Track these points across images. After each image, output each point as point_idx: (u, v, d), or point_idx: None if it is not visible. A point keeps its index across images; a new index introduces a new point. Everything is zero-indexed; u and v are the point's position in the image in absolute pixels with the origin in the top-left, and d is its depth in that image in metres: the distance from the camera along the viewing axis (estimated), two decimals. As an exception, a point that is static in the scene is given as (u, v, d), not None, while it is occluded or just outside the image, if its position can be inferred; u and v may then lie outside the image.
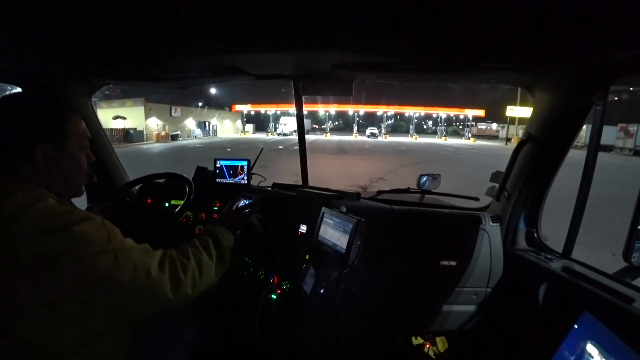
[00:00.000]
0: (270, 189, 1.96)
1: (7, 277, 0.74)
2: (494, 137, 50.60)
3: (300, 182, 2.10)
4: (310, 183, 2.10)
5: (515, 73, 1.40)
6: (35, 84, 1.56)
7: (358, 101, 40.00)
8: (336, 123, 72.98)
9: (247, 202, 1.42)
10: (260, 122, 50.38)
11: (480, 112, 42.44)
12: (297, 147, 2.22)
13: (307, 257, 1.43)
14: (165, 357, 1.23)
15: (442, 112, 45.46)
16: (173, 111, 34.82)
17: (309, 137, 32.50)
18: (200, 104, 43.64)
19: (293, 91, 1.86)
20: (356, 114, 44.71)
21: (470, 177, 10.09)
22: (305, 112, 2.12)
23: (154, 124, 32.29)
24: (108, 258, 0.80)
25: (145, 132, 29.71)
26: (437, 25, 0.96)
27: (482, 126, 54.62)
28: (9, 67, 1.45)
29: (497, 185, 1.71)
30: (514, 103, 32.85)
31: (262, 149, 2.28)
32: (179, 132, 32.53)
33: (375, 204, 1.75)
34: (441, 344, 1.92)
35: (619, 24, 0.86)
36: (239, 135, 41.31)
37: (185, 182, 1.74)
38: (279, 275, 1.51)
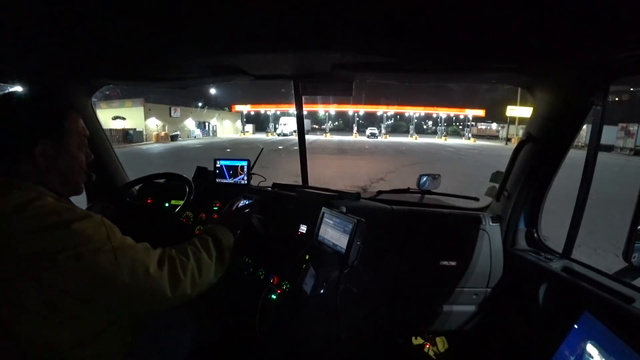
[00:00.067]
0: (270, 189, 1.96)
1: (7, 275, 0.74)
2: (494, 137, 50.63)
3: (300, 183, 2.10)
4: (310, 183, 2.10)
5: (515, 73, 1.41)
6: (35, 83, 1.56)
7: (358, 101, 40.11)
8: (336, 123, 73.08)
9: (247, 202, 1.42)
10: (260, 123, 50.43)
11: (480, 112, 42.47)
12: (296, 148, 2.23)
13: (307, 257, 1.43)
14: (165, 357, 1.23)
15: (442, 112, 45.47)
16: (172, 111, 34.82)
17: (308, 137, 32.49)
18: (200, 104, 43.70)
19: (293, 91, 1.87)
20: (356, 114, 44.76)
21: (470, 177, 10.10)
22: (305, 113, 2.12)
23: (154, 125, 32.31)
24: (107, 256, 0.80)
25: (144, 133, 29.71)
26: (437, 25, 0.96)
27: (482, 126, 54.67)
28: (9, 67, 1.46)
29: (497, 186, 1.71)
30: (514, 103, 32.87)
31: (262, 149, 2.28)
32: (178, 133, 32.53)
33: (375, 204, 1.75)
34: (441, 344, 1.92)
35: (619, 24, 0.86)
36: (238, 136, 41.30)
37: (185, 182, 1.74)
38: (279, 275, 1.51)
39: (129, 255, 0.85)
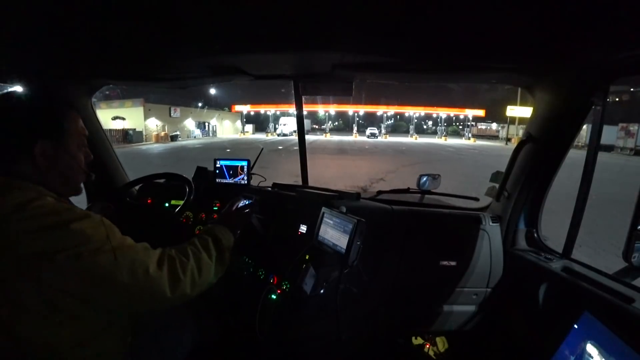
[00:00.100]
0: (270, 189, 1.96)
1: (7, 275, 0.74)
2: (494, 137, 50.62)
3: (300, 183, 2.10)
4: (310, 184, 2.10)
5: (516, 73, 1.41)
6: (35, 83, 1.56)
7: (358, 101, 40.10)
8: (336, 123, 73.03)
9: (247, 202, 1.42)
10: (260, 123, 50.35)
11: (481, 112, 42.47)
12: (296, 148, 2.23)
13: (307, 257, 1.43)
14: (165, 357, 1.23)
15: (442, 112, 45.45)
16: (172, 112, 34.78)
17: (308, 138, 32.47)
18: (199, 104, 43.62)
19: (293, 91, 1.87)
20: (356, 114, 44.75)
21: (470, 177, 10.10)
22: (305, 113, 2.12)
23: (153, 125, 32.26)
24: (106, 256, 0.80)
25: (144, 133, 29.67)
26: (437, 25, 0.96)
27: (482, 126, 54.66)
28: (9, 67, 1.46)
29: (497, 186, 1.71)
30: (514, 103, 32.88)
31: (262, 149, 2.28)
32: (178, 133, 32.48)
33: (375, 204, 1.75)
34: (441, 344, 1.92)
35: (619, 24, 0.86)
36: (238, 136, 41.26)
37: (185, 182, 1.74)
38: (279, 275, 1.51)
39: (129, 255, 0.85)
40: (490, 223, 1.68)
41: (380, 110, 44.26)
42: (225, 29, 1.04)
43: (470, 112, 42.75)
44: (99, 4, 0.85)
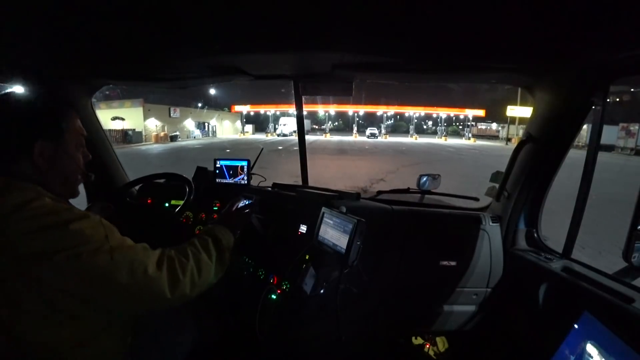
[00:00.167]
0: (270, 189, 1.96)
1: (6, 275, 0.74)
2: (494, 137, 50.61)
3: (299, 183, 2.10)
4: (310, 184, 2.10)
5: (516, 73, 1.41)
6: (35, 83, 1.56)
7: (358, 101, 40.05)
8: (336, 123, 72.97)
9: (247, 202, 1.42)
10: (260, 123, 50.29)
11: (481, 112, 42.44)
12: (296, 148, 2.23)
13: (307, 257, 1.43)
14: (165, 357, 1.23)
15: (442, 112, 45.42)
16: (172, 112, 34.73)
17: (308, 138, 32.45)
18: (199, 104, 43.56)
19: (293, 91, 1.87)
20: (356, 114, 44.75)
21: (470, 177, 10.09)
22: (305, 113, 2.12)
23: (153, 125, 32.21)
24: (105, 256, 0.80)
25: (144, 133, 29.64)
26: (437, 25, 0.96)
27: (482, 126, 54.65)
28: (9, 67, 1.46)
29: (497, 185, 1.71)
30: (514, 103, 32.88)
31: (262, 149, 2.28)
32: (177, 133, 32.43)
33: (375, 204, 1.75)
34: (441, 344, 1.92)
35: (619, 24, 0.86)
36: (238, 136, 41.22)
37: (185, 182, 1.74)
38: (279, 275, 1.51)
39: (128, 255, 0.85)
40: (490, 223, 1.68)
41: (380, 110, 44.23)
42: (225, 29, 1.04)
43: (470, 112, 42.73)
44: (99, 4, 0.85)
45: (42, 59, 1.38)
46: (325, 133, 43.64)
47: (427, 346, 1.92)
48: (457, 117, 51.40)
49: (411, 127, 48.03)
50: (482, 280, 1.67)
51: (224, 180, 1.96)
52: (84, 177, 1.01)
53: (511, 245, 1.67)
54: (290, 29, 1.03)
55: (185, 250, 1.01)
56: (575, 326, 0.92)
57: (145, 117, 31.48)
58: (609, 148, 24.18)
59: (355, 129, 44.01)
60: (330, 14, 0.90)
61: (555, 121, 1.42)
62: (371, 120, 53.92)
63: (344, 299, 1.31)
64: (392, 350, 1.89)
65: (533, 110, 1.53)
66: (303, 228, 1.57)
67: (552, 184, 1.54)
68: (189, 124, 37.82)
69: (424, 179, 1.91)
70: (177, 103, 36.78)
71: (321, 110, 45.73)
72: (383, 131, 44.66)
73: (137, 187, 1.98)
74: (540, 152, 1.49)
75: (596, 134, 1.31)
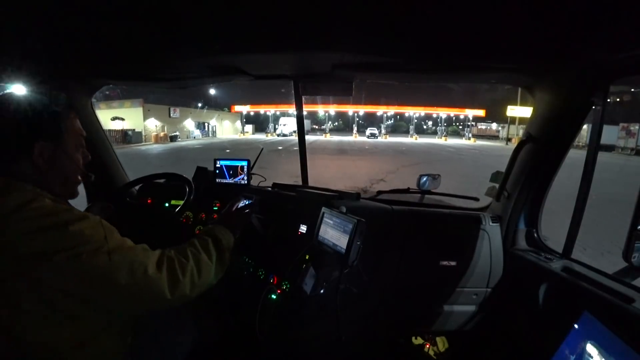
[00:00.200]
0: (270, 189, 1.96)
1: (6, 275, 0.74)
2: (494, 137, 50.63)
3: (299, 183, 2.10)
4: (310, 184, 2.10)
5: (516, 73, 1.41)
6: (35, 83, 1.56)
7: (358, 101, 40.03)
8: (336, 124, 72.97)
9: (247, 202, 1.42)
10: (260, 123, 50.26)
11: (481, 112, 42.44)
12: (296, 148, 2.23)
13: (307, 257, 1.43)
14: (165, 357, 1.23)
15: (442, 112, 45.41)
16: (172, 112, 34.69)
17: (308, 138, 32.38)
18: (199, 104, 43.54)
19: (293, 91, 1.87)
20: (356, 115, 44.74)
21: (471, 177, 10.08)
22: (305, 113, 2.12)
23: (153, 125, 32.18)
24: (105, 257, 0.81)
25: (143, 133, 29.62)
26: (438, 25, 0.96)
27: (482, 126, 54.67)
28: (9, 67, 1.46)
29: (497, 185, 1.71)
30: (514, 103, 32.90)
31: (262, 149, 2.28)
32: (177, 133, 32.39)
33: (375, 204, 1.75)
34: (441, 344, 1.92)
35: (619, 24, 0.86)
36: (238, 136, 41.19)
37: (185, 182, 1.74)
38: (279, 275, 1.50)
39: (128, 256, 0.85)
40: (490, 223, 1.68)
41: (380, 110, 44.23)
42: (225, 29, 1.04)
43: (471, 112, 42.73)
44: (99, 4, 0.85)
45: (42, 59, 1.38)
46: (325, 133, 43.64)
47: (427, 346, 1.92)
48: (457, 117, 51.40)
49: (411, 127, 48.01)
50: (482, 280, 1.67)
51: (224, 180, 1.96)
52: (84, 178, 1.02)
53: (511, 245, 1.66)
54: (290, 29, 1.03)
55: (185, 250, 1.01)
56: (575, 326, 0.92)
57: (145, 117, 31.46)
58: (610, 148, 24.19)
59: (355, 129, 44.00)
60: (330, 14, 0.90)
61: (555, 121, 1.42)
62: (371, 120, 53.97)
63: (344, 299, 1.31)
64: (392, 350, 1.89)
65: (533, 110, 1.53)
66: (303, 228, 1.57)
67: (552, 184, 1.54)
68: (189, 124, 37.79)
69: (424, 179, 1.91)
70: (177, 103, 36.80)
71: (321, 110, 45.78)
72: (383, 131, 44.64)
73: (137, 187, 1.98)
74: (540, 152, 1.49)
75: (596, 134, 1.31)
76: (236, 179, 1.94)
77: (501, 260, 1.67)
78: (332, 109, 42.89)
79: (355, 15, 0.91)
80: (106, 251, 0.81)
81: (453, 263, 1.64)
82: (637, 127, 23.43)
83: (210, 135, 40.28)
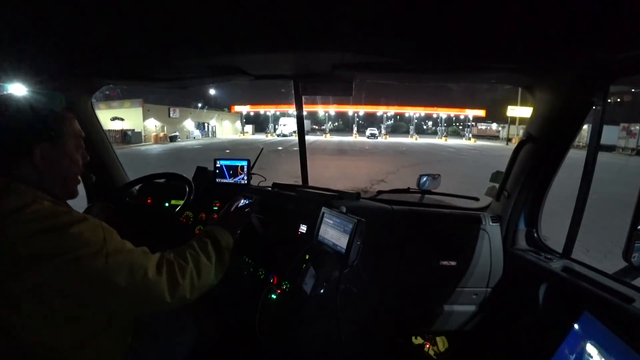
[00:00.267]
0: (270, 189, 1.96)
1: (5, 276, 0.74)
2: (494, 137, 50.64)
3: (299, 183, 2.10)
4: (310, 184, 2.10)
5: (516, 73, 1.41)
6: (35, 83, 1.56)
7: (358, 102, 40.07)
8: (336, 124, 72.97)
9: (246, 202, 1.42)
10: (260, 123, 50.25)
11: (481, 112, 42.45)
12: (296, 148, 2.23)
13: (307, 257, 1.43)
14: (165, 357, 1.23)
15: (442, 113, 45.41)
16: (171, 112, 34.64)
17: (308, 138, 32.32)
18: (199, 104, 43.51)
19: (293, 91, 1.87)
20: (356, 115, 44.73)
21: (471, 178, 10.04)
22: (305, 113, 2.12)
23: (152, 125, 32.12)
24: (104, 260, 0.80)
25: (143, 134, 29.56)
26: (438, 25, 0.96)
27: (482, 126, 54.69)
28: (9, 67, 1.46)
29: (497, 185, 1.71)
30: (514, 103, 32.92)
31: (262, 148, 2.28)
32: (177, 134, 32.34)
33: (375, 204, 1.75)
34: (441, 343, 1.92)
35: (619, 24, 0.86)
36: (238, 137, 41.16)
37: (185, 182, 1.74)
38: (279, 275, 1.50)
39: (127, 259, 0.85)
40: (490, 223, 1.68)
41: (380, 110, 44.22)
42: (225, 29, 1.04)
43: (471, 113, 42.74)
44: (99, 4, 0.85)
45: (42, 59, 1.38)
46: (325, 133, 43.66)
47: (427, 346, 1.92)
48: (457, 117, 51.40)
49: (411, 127, 48.00)
50: (482, 280, 1.67)
51: (224, 180, 1.96)
52: (84, 177, 1.02)
53: (511, 245, 1.66)
54: (290, 29, 1.03)
55: (184, 253, 1.00)
56: (575, 326, 0.92)
57: (145, 118, 31.42)
58: (610, 148, 24.17)
59: (355, 129, 44.00)
60: (330, 14, 0.90)
61: (555, 121, 1.42)
62: (371, 120, 53.95)
63: (344, 299, 1.31)
64: (392, 350, 1.89)
65: (533, 110, 1.53)
66: (303, 228, 1.57)
67: (552, 184, 1.54)
68: (189, 124, 37.77)
69: (424, 178, 1.91)
70: (177, 103, 36.79)
71: (321, 110, 45.78)
72: (383, 131, 44.62)
73: (137, 187, 1.98)
74: (540, 152, 1.49)
75: (596, 134, 1.31)
76: (236, 179, 1.94)
77: (501, 260, 1.67)
78: (332, 109, 42.93)
79: (355, 15, 0.91)
80: (105, 254, 0.81)
81: (453, 263, 1.64)
82: (637, 128, 23.41)
83: (210, 135, 40.25)
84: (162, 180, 1.94)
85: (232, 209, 1.36)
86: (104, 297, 0.83)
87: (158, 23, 0.98)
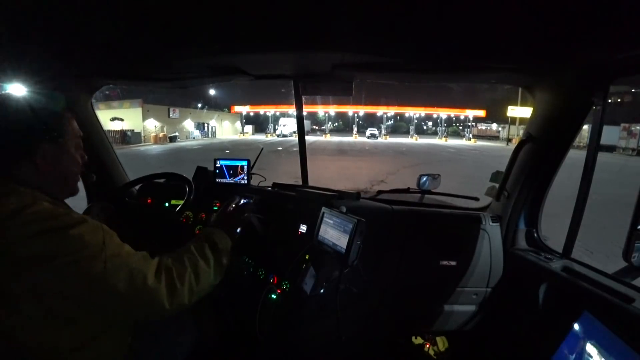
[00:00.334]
0: (270, 189, 1.96)
1: (4, 278, 0.74)
2: (494, 137, 50.66)
3: (299, 183, 2.10)
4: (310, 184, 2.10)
5: (516, 73, 1.41)
6: (35, 83, 1.56)
7: (358, 102, 40.07)
8: (336, 124, 73.07)
9: (244, 202, 1.41)
10: (260, 124, 50.26)
11: (481, 113, 42.46)
12: (296, 149, 2.23)
13: (307, 257, 1.43)
14: (165, 357, 1.23)
15: (443, 113, 45.40)
16: (171, 112, 34.58)
17: (308, 138, 32.14)
18: (199, 105, 43.50)
19: (293, 91, 1.87)
20: (356, 115, 44.74)
21: (472, 178, 10.02)
22: (305, 113, 2.12)
23: (152, 126, 32.06)
24: (103, 263, 0.80)
25: (142, 134, 29.52)
26: (438, 25, 0.96)
27: (482, 127, 54.72)
28: (9, 67, 1.46)
29: (497, 185, 1.71)
30: (514, 103, 32.91)
31: (262, 148, 2.28)
32: (177, 134, 32.31)
33: (375, 204, 1.75)
34: (441, 343, 1.92)
35: (619, 24, 0.86)
36: (238, 137, 41.15)
37: (185, 182, 1.74)
38: (279, 275, 1.50)
39: (126, 262, 0.85)
40: (490, 223, 1.68)
41: (380, 110, 44.22)
42: (225, 29, 1.04)
43: (471, 113, 42.75)
44: (99, 4, 0.85)
45: (42, 59, 1.38)
46: (325, 134, 43.71)
47: (427, 346, 1.92)
48: (457, 117, 51.35)
49: (411, 127, 48.03)
50: (482, 280, 1.67)
51: (224, 180, 1.96)
52: (83, 177, 1.02)
53: (511, 245, 1.66)
54: (290, 29, 1.03)
55: (182, 258, 0.99)
56: (575, 326, 0.92)
57: (144, 118, 31.36)
58: (611, 149, 24.18)
59: (355, 129, 44.01)
60: (330, 14, 0.90)
61: (555, 121, 1.42)
62: (371, 120, 53.96)
63: (344, 299, 1.31)
64: (392, 350, 1.89)
65: (533, 110, 1.53)
66: (303, 228, 1.57)
67: (552, 184, 1.54)
68: (189, 124, 37.74)
69: (424, 178, 1.91)
70: (177, 103, 36.77)
71: (321, 110, 45.78)
72: (383, 132, 44.60)
73: (137, 187, 1.98)
74: (540, 152, 1.49)
75: (596, 134, 1.31)
76: (236, 179, 1.94)
77: (501, 260, 1.67)
78: (332, 110, 42.92)
79: (355, 15, 0.91)
80: (104, 257, 0.81)
81: (453, 263, 1.64)
82: (638, 128, 23.41)
83: (210, 135, 40.24)
84: (162, 180, 1.94)
85: (229, 209, 1.35)
86: (102, 300, 0.83)
87: (158, 23, 0.98)
